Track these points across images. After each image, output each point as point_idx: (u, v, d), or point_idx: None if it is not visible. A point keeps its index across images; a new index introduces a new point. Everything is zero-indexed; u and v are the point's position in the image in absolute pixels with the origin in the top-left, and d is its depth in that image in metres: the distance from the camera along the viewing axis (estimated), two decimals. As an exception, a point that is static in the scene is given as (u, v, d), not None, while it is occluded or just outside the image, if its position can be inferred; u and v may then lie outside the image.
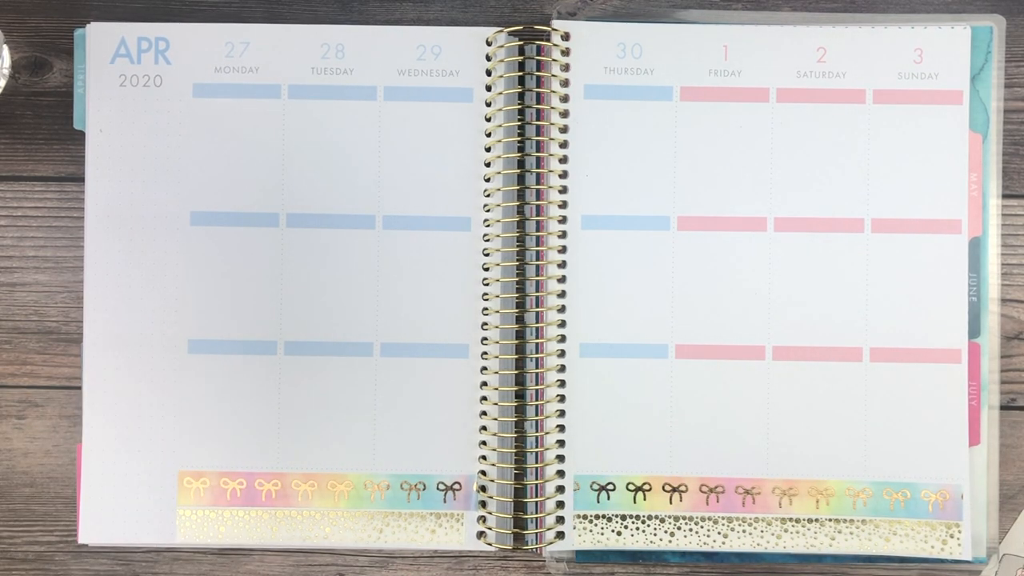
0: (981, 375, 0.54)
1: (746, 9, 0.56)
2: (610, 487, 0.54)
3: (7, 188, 0.55)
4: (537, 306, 0.53)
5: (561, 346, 0.54)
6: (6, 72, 0.55)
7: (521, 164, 0.54)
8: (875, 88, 0.54)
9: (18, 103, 0.56)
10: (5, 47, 0.55)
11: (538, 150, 0.54)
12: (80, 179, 0.54)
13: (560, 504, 0.53)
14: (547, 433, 0.53)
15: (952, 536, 0.53)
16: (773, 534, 0.54)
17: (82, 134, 0.54)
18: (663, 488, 0.53)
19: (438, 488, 0.54)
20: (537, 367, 0.53)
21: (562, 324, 0.54)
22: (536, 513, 0.53)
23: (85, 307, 0.54)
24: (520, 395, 0.53)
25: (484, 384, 0.54)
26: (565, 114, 0.54)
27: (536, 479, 0.53)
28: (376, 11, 0.56)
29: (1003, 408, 0.54)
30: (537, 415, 0.53)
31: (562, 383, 0.54)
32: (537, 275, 0.53)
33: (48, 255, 0.55)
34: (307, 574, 0.55)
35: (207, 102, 0.54)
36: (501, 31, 0.54)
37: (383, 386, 0.54)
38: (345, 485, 0.54)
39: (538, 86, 0.54)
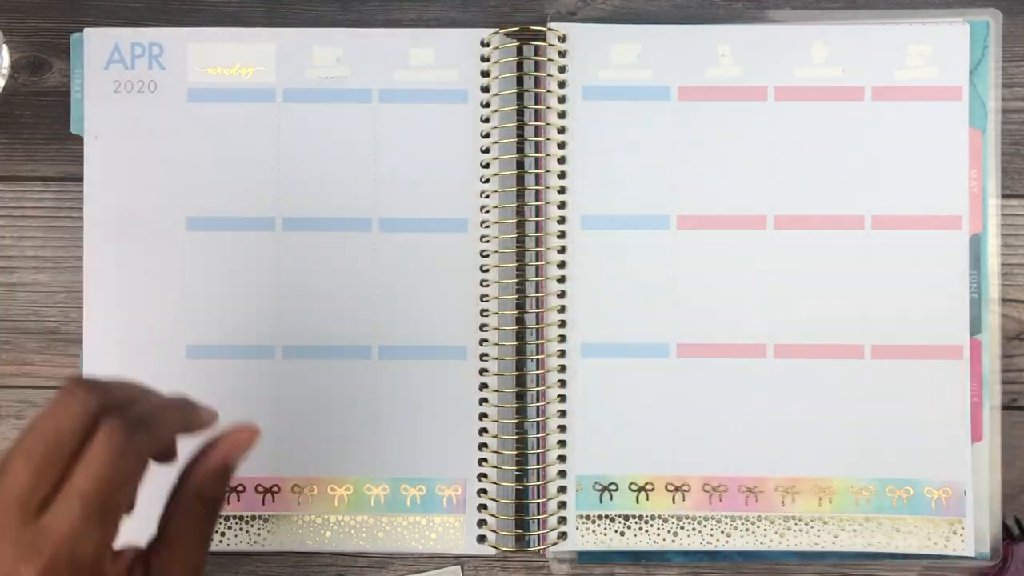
0: (983, 371, 0.54)
1: (744, 7, 0.55)
2: (612, 487, 0.54)
3: (7, 188, 0.55)
4: (537, 307, 0.53)
5: (562, 346, 0.53)
6: (6, 72, 0.55)
7: (519, 165, 0.53)
8: (874, 85, 0.54)
9: (17, 103, 0.56)
10: (5, 47, 0.55)
11: (536, 151, 0.53)
12: (79, 179, 0.54)
13: (562, 505, 0.53)
14: (548, 434, 0.53)
15: (955, 532, 0.53)
16: (776, 533, 0.53)
17: (81, 136, 0.54)
18: (666, 488, 0.53)
19: (438, 491, 0.54)
20: (538, 368, 0.53)
21: (562, 324, 0.54)
22: (538, 514, 0.53)
23: (85, 313, 0.54)
24: (521, 396, 0.53)
25: (484, 386, 0.54)
26: (563, 115, 0.54)
27: (538, 480, 0.53)
28: (376, 11, 0.55)
29: (1004, 408, 0.54)
30: (538, 416, 0.53)
31: (563, 383, 0.54)
32: (537, 275, 0.53)
33: (48, 255, 0.55)
34: (307, 574, 0.55)
35: (202, 107, 0.54)
36: (497, 32, 0.53)
37: (382, 389, 0.54)
38: (345, 489, 0.54)
39: (535, 87, 0.54)
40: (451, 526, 0.54)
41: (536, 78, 0.54)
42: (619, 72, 0.54)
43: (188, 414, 0.42)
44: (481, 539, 0.53)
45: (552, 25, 0.54)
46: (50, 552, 0.36)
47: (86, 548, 0.37)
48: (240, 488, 0.54)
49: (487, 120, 0.54)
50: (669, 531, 0.54)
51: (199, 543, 0.41)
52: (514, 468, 0.53)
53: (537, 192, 0.53)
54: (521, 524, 0.53)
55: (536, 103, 0.54)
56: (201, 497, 0.41)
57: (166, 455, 0.42)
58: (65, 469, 0.37)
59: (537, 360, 0.53)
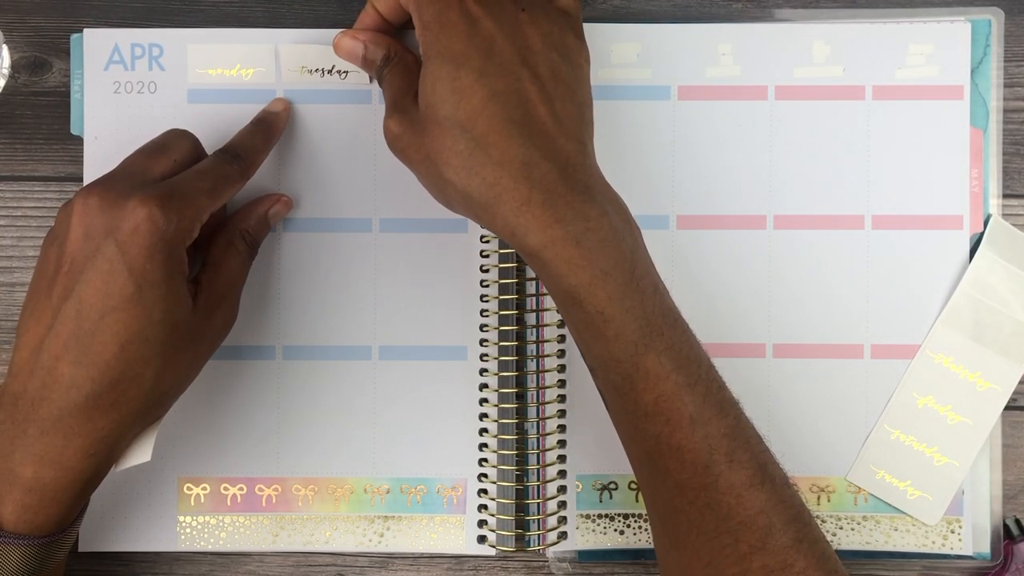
0: (983, 371, 0.54)
1: (744, 7, 0.55)
2: (612, 486, 0.54)
3: (7, 188, 0.55)
4: (537, 306, 0.53)
5: (561, 346, 0.54)
6: (6, 72, 0.55)
7: (519, 164, 0.53)
8: (874, 84, 0.54)
9: (18, 103, 0.56)
10: (5, 47, 0.55)
11: (536, 150, 0.53)
12: (79, 179, 0.54)
13: (562, 504, 0.53)
14: (548, 434, 0.53)
15: (953, 531, 0.53)
16: (775, 531, 0.53)
17: (81, 136, 0.54)
18: (665, 487, 0.53)
19: (438, 491, 0.54)
20: (538, 367, 0.53)
21: (562, 324, 0.54)
22: (538, 514, 0.53)
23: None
24: (520, 396, 0.53)
25: (484, 386, 0.54)
26: (562, 114, 0.53)
27: (538, 480, 0.53)
28: (376, 11, 0.55)
29: (1005, 408, 0.54)
30: (538, 415, 0.53)
31: (563, 383, 0.54)
32: (537, 275, 0.53)
33: (48, 255, 0.55)
34: (307, 574, 0.55)
35: (202, 108, 0.54)
36: (497, 32, 0.53)
37: (382, 389, 0.54)
38: (345, 489, 0.54)
39: (535, 86, 0.53)
40: (451, 526, 0.54)
41: (536, 78, 0.53)
42: (619, 72, 0.54)
43: (267, 135, 0.52)
44: (481, 539, 0.53)
45: (552, 25, 0.54)
46: (160, 190, 0.44)
47: (187, 212, 0.45)
48: (241, 490, 0.54)
49: (487, 120, 0.54)
50: (669, 530, 0.54)
51: (237, 269, 0.50)
52: (514, 468, 0.53)
53: (537, 192, 0.53)
54: (521, 524, 0.53)
55: (536, 103, 0.53)
56: (243, 235, 0.50)
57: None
58: (175, 170, 0.47)
59: (537, 360, 0.53)
